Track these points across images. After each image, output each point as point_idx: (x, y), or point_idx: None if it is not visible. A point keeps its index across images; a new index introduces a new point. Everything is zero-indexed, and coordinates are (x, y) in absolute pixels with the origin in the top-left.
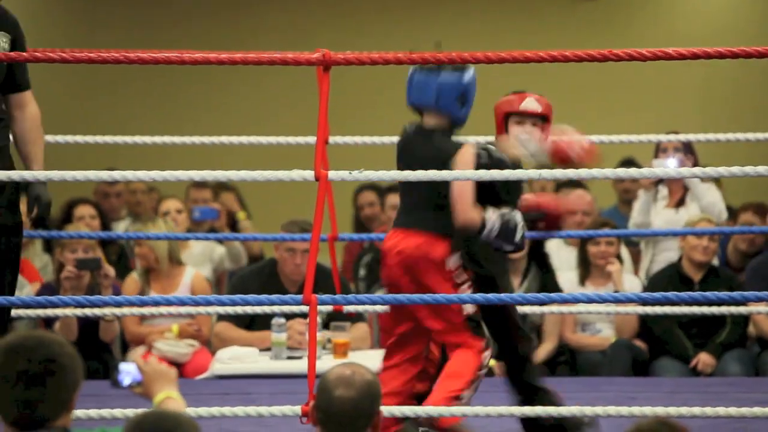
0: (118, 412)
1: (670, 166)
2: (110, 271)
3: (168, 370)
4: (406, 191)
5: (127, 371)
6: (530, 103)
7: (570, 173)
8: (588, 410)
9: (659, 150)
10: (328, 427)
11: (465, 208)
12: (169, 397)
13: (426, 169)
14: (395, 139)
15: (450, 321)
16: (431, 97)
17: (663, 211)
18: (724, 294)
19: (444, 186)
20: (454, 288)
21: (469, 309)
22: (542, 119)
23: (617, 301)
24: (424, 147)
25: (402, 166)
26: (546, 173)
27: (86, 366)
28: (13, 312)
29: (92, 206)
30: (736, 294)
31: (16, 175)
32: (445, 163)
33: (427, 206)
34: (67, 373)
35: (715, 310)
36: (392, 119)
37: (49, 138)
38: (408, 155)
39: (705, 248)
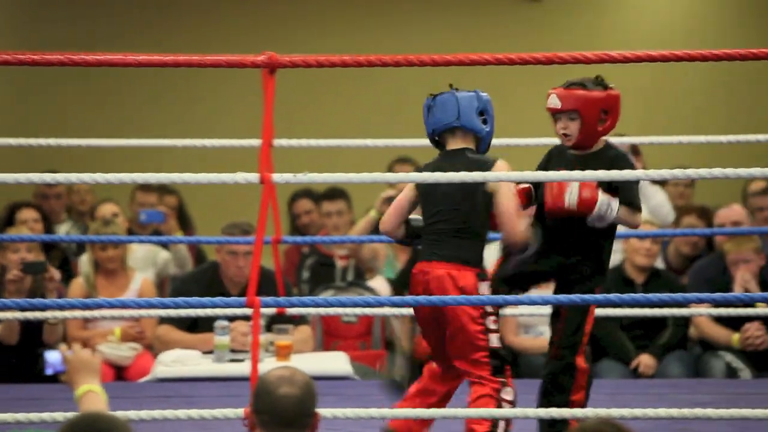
0: (59, 416)
1: None
2: (56, 274)
3: (92, 360)
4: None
5: (52, 361)
6: (550, 101)
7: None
8: (531, 412)
9: None
10: (272, 427)
11: (515, 224)
12: (91, 391)
13: (458, 191)
14: (342, 141)
15: (468, 356)
16: (453, 114)
17: None
18: (665, 296)
19: (474, 211)
20: (480, 323)
21: (494, 342)
22: (576, 113)
23: (559, 303)
24: (453, 168)
25: (429, 206)
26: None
27: (28, 368)
28: None
29: (35, 209)
30: (677, 296)
31: None
32: (478, 185)
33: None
34: None
35: (656, 312)
36: (337, 122)
37: None
38: (434, 188)
39: (647, 251)
